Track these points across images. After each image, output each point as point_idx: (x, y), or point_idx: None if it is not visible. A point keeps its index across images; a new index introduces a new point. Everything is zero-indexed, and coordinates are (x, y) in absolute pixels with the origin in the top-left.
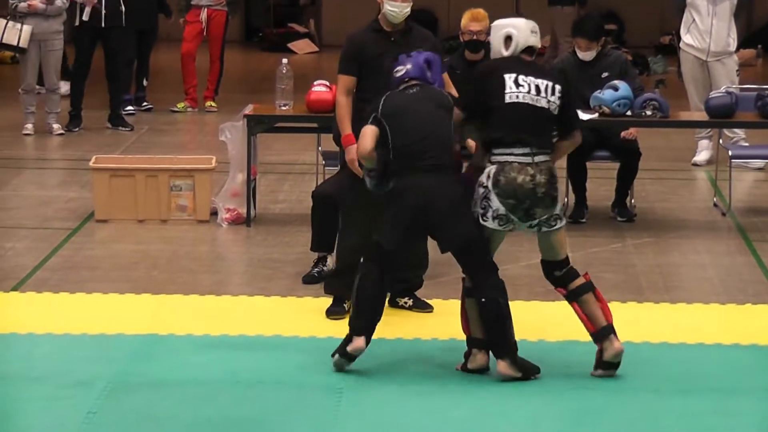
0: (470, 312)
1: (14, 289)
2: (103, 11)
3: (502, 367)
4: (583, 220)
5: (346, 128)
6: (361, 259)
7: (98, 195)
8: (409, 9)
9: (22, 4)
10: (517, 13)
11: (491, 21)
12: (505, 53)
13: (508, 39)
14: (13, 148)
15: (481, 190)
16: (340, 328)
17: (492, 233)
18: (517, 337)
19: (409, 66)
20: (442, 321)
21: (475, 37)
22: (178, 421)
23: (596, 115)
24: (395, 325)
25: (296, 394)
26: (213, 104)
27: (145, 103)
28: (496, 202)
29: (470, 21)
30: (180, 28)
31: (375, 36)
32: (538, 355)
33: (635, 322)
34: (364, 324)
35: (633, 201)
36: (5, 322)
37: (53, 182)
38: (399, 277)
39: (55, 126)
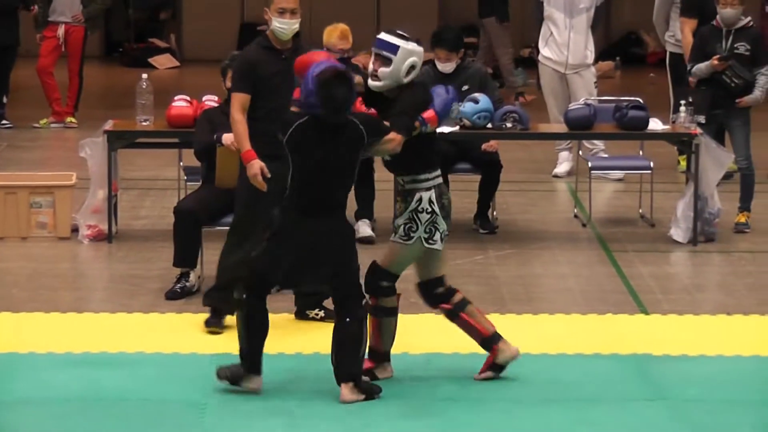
0: (384, 328)
1: None
2: None
3: (346, 392)
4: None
5: (245, 145)
6: (240, 293)
7: None
8: (297, 25)
9: None
10: (378, 25)
11: (354, 39)
12: (405, 80)
13: (412, 68)
14: None
15: (426, 216)
16: (203, 343)
17: (438, 252)
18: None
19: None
20: (315, 332)
21: (346, 56)
22: None
23: (457, 127)
24: (297, 339)
25: (160, 410)
26: (73, 120)
27: (4, 122)
28: (443, 224)
29: (339, 39)
30: (37, 44)
31: (266, 53)
32: (402, 368)
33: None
34: (255, 359)
35: (495, 213)
36: None
37: None
38: (307, 291)
39: None
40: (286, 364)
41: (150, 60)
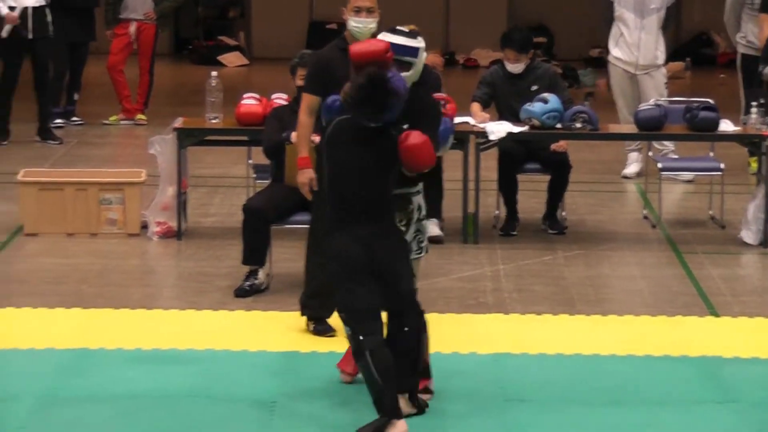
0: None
1: None
2: (30, 23)
3: (402, 403)
4: (514, 233)
5: (303, 150)
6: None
7: (27, 209)
8: (375, 24)
9: None
10: (447, 26)
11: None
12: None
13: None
14: None
15: (424, 223)
16: (272, 341)
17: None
18: (449, 351)
19: (387, 117)
20: None
21: None
22: None
23: (526, 128)
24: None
25: (228, 408)
26: (143, 117)
27: (74, 118)
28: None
29: None
30: (108, 41)
31: (342, 55)
32: (470, 368)
33: (567, 334)
34: (393, 402)
35: (564, 213)
36: None
37: None
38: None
39: None
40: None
41: (219, 58)
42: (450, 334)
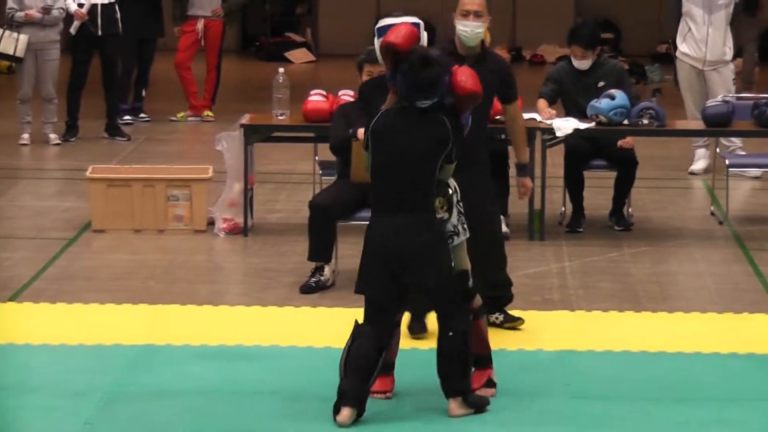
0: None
1: (11, 299)
2: (99, 20)
3: (455, 407)
4: (581, 230)
5: None
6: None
7: (95, 205)
8: (482, 29)
9: (19, 14)
10: (515, 21)
11: (491, 33)
12: None
13: None
14: (9, 158)
15: (455, 209)
16: (337, 337)
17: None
18: (514, 347)
19: (437, 98)
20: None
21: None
22: (176, 431)
23: (593, 124)
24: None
25: (293, 404)
26: (210, 114)
27: (142, 115)
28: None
29: None
30: (175, 38)
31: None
32: (536, 365)
33: (633, 331)
34: (356, 391)
35: (630, 210)
36: (2, 333)
37: (50, 192)
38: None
39: (52, 136)
40: (419, 357)
41: (286, 54)
42: (516, 331)
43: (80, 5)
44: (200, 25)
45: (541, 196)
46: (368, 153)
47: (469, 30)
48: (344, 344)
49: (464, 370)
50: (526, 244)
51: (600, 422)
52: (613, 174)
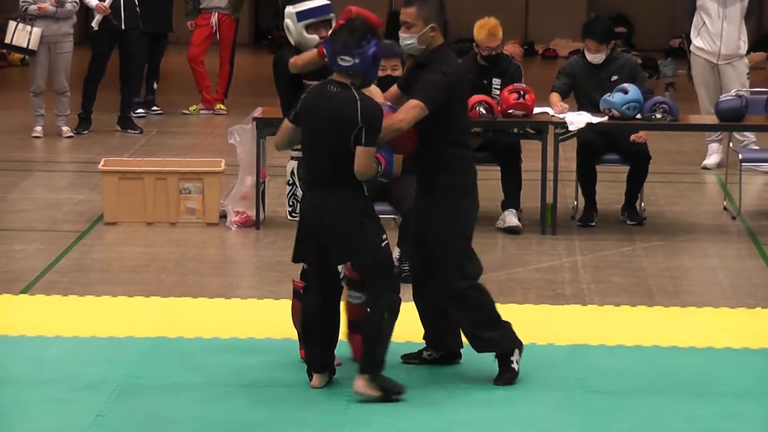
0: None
1: (23, 291)
2: (122, 13)
3: (360, 384)
4: (593, 224)
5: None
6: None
7: (107, 198)
8: (412, 41)
9: (32, 7)
10: (527, 14)
11: (503, 28)
12: None
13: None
14: (22, 151)
15: (288, 187)
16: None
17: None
18: (526, 342)
19: (357, 60)
20: None
21: (494, 53)
22: (187, 424)
23: (606, 118)
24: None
25: (305, 396)
26: (222, 107)
27: (155, 108)
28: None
29: (488, 37)
30: (186, 32)
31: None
32: (548, 360)
33: (645, 325)
34: (319, 358)
35: (643, 204)
36: (14, 325)
37: (62, 185)
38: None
39: (65, 128)
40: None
41: None
42: (528, 325)
43: None
44: (214, 18)
45: (553, 191)
46: (290, 128)
47: (400, 41)
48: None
49: (374, 349)
50: (538, 238)
51: (612, 416)
52: (626, 168)
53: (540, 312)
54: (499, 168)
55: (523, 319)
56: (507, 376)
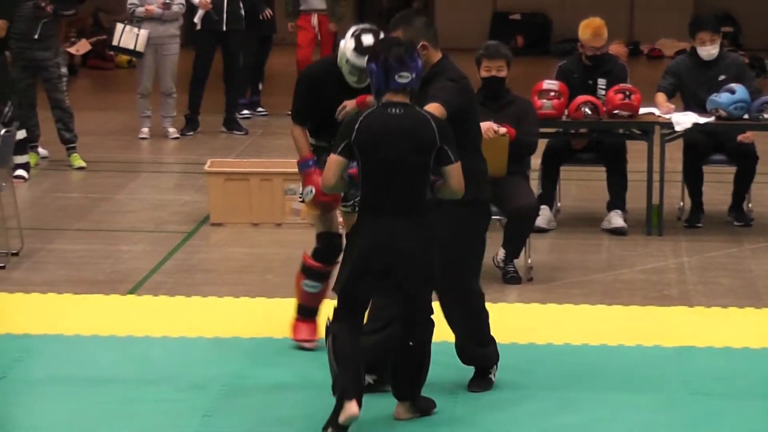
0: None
1: (131, 292)
2: (225, 15)
3: (402, 411)
4: (700, 225)
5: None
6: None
7: (213, 198)
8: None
9: (140, 9)
10: (632, 13)
11: (608, 27)
12: None
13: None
14: (129, 152)
15: None
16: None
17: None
18: (632, 342)
19: (414, 75)
20: (565, 324)
21: (598, 52)
22: (294, 424)
23: (712, 118)
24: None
25: None
26: None
27: (260, 109)
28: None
29: (592, 37)
30: (290, 33)
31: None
32: (655, 361)
33: (753, 328)
34: (352, 385)
35: (750, 205)
36: (121, 325)
37: (168, 186)
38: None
39: (171, 130)
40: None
41: None
42: (634, 327)
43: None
44: (314, 20)
45: (659, 191)
46: (343, 163)
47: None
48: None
49: (417, 378)
50: (644, 239)
51: (718, 419)
52: (733, 169)
53: (646, 313)
54: (604, 169)
55: (630, 320)
56: (483, 384)
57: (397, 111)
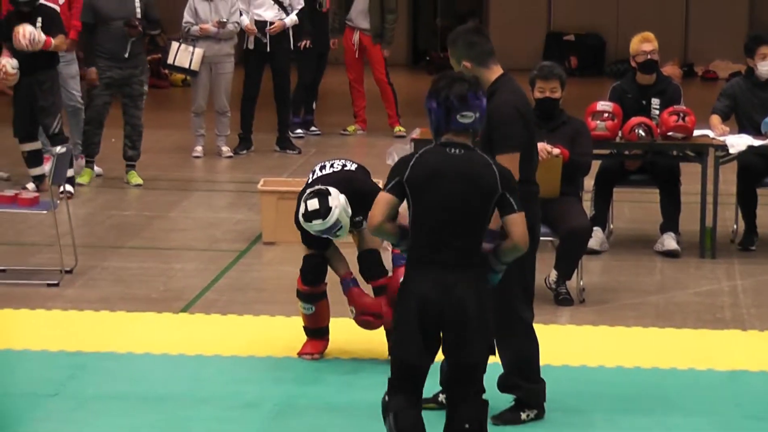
0: None
1: (183, 310)
2: (268, 35)
3: None
4: (753, 248)
5: None
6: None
7: (266, 217)
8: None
9: (195, 28)
10: (686, 34)
11: (663, 48)
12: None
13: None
14: (182, 170)
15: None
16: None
17: None
18: (685, 366)
19: (478, 114)
20: (618, 347)
21: (648, 57)
22: None
23: (767, 140)
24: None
25: None
26: (401, 129)
27: (313, 128)
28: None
29: (642, 42)
30: (341, 51)
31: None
32: (708, 385)
33: None
34: None
35: None
36: (174, 344)
37: (222, 204)
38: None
39: (224, 148)
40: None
41: None
42: (686, 350)
43: (258, 23)
44: (356, 37)
45: (713, 214)
46: (392, 202)
47: None
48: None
49: None
50: (697, 261)
51: None
52: None
53: (699, 336)
54: (658, 190)
55: (683, 343)
56: (510, 418)
57: (457, 151)
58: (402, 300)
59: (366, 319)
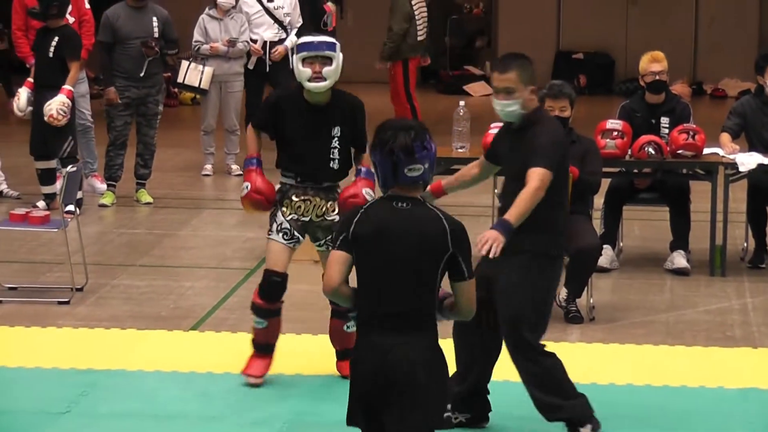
0: None
1: (193, 328)
2: (267, 55)
3: None
4: (763, 266)
5: None
6: None
7: None
8: (515, 107)
9: (205, 47)
10: (696, 55)
11: (672, 67)
12: None
13: None
14: (192, 189)
15: None
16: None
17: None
18: (695, 384)
19: (426, 165)
20: (628, 365)
21: (657, 77)
22: None
23: None
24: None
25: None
26: None
27: None
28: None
29: (651, 62)
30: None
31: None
32: (718, 403)
33: None
34: None
35: None
36: (184, 361)
37: (231, 222)
38: None
39: (234, 167)
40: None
41: (465, 87)
42: (697, 368)
43: (254, 41)
44: None
45: (722, 232)
46: (346, 260)
47: (500, 108)
48: None
49: None
50: (707, 279)
51: None
52: None
53: (709, 354)
54: (667, 209)
55: (692, 361)
56: None
57: (404, 205)
58: (351, 368)
59: (258, 198)
